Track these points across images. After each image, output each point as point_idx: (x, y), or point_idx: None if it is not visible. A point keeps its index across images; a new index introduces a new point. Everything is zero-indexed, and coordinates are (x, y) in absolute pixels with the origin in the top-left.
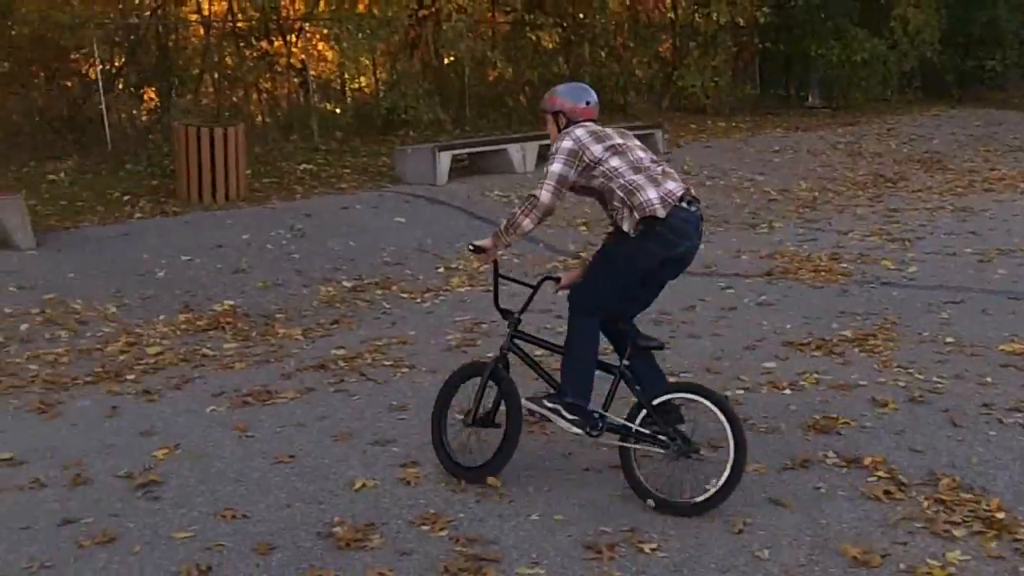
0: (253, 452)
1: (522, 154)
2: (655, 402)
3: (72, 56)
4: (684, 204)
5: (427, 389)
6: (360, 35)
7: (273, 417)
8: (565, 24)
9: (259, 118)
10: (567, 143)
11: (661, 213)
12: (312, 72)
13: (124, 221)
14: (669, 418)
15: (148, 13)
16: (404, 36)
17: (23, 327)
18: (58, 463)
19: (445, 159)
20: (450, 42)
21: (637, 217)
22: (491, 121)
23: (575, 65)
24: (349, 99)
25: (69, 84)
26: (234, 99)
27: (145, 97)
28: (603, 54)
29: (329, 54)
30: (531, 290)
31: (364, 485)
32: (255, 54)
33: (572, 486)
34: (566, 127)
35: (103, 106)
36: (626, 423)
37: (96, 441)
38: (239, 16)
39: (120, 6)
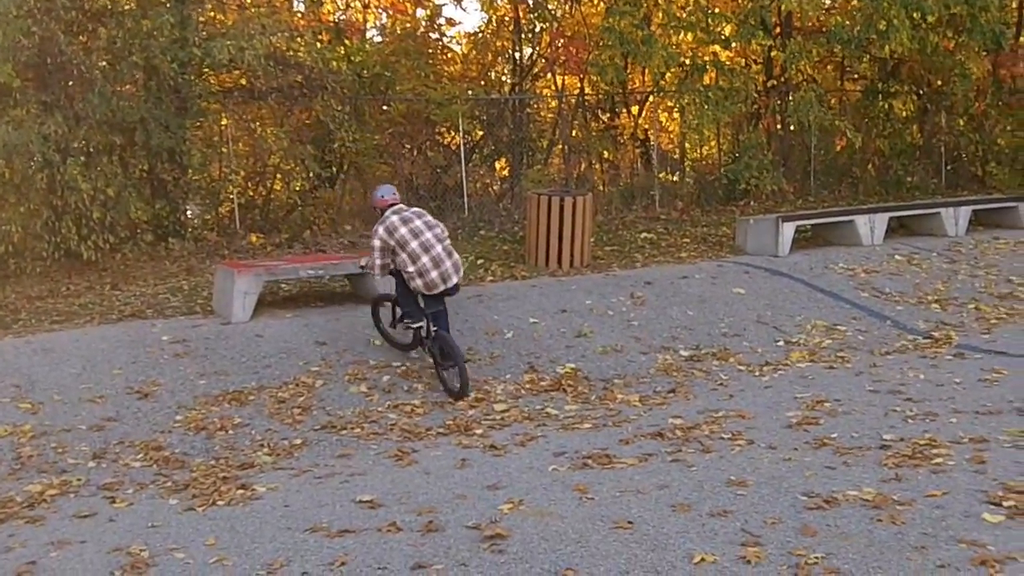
0: (593, 515)
1: (870, 226)
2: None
3: (437, 130)
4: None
5: (767, 466)
6: (706, 106)
7: (612, 481)
8: (921, 92)
9: (601, 187)
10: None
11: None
12: (654, 142)
13: (477, 284)
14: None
15: (508, 89)
16: (749, 106)
17: (385, 379)
18: (412, 509)
19: (788, 230)
20: (797, 111)
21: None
22: (835, 192)
23: (929, 134)
24: (688, 169)
25: (432, 155)
26: (579, 169)
27: (498, 167)
28: (961, 122)
29: (671, 125)
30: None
31: (703, 560)
32: (601, 126)
33: None
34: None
35: (463, 175)
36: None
37: (447, 491)
38: (588, 90)
39: (483, 83)
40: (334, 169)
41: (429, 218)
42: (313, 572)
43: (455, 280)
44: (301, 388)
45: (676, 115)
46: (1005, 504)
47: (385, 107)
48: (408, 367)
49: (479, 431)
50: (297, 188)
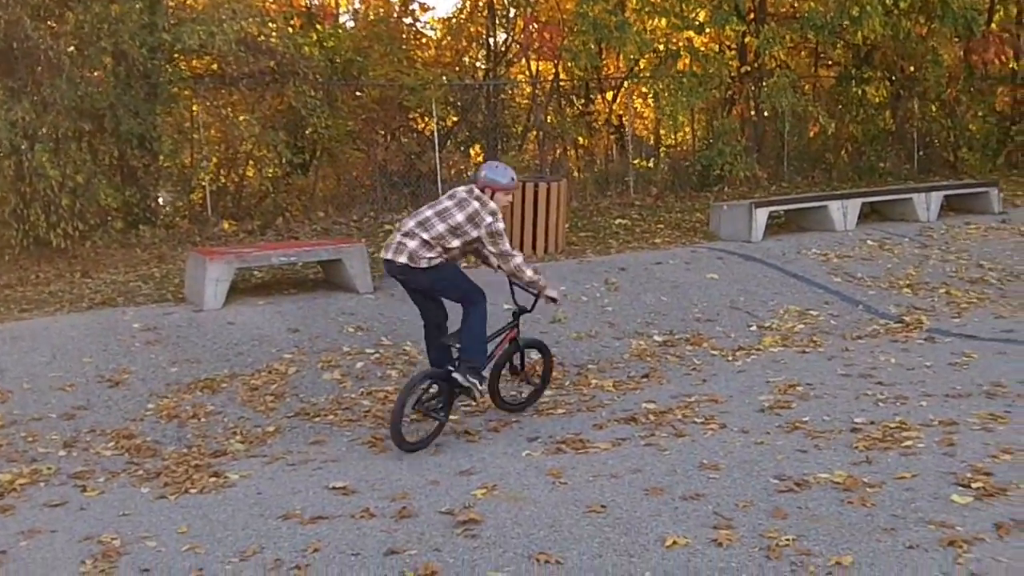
0: (566, 499)
1: (843, 212)
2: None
3: (411, 116)
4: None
5: (739, 449)
6: (680, 93)
7: (586, 466)
8: (894, 77)
9: (576, 173)
10: None
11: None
12: (628, 128)
13: None
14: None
15: (482, 74)
16: (723, 92)
17: (359, 365)
18: (386, 495)
19: (762, 216)
20: (771, 97)
21: None
22: (809, 178)
23: (902, 120)
24: (662, 155)
25: (406, 141)
26: (554, 155)
27: (472, 153)
28: (933, 108)
29: (646, 111)
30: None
31: (675, 542)
32: (575, 112)
33: None
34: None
35: (437, 161)
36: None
37: (421, 477)
38: (563, 76)
39: (457, 69)
40: (307, 155)
41: (449, 204)
42: (286, 559)
43: (389, 256)
44: (274, 375)
45: (650, 101)
46: (974, 486)
47: (358, 93)
48: (381, 354)
49: (454, 417)
50: (269, 175)
